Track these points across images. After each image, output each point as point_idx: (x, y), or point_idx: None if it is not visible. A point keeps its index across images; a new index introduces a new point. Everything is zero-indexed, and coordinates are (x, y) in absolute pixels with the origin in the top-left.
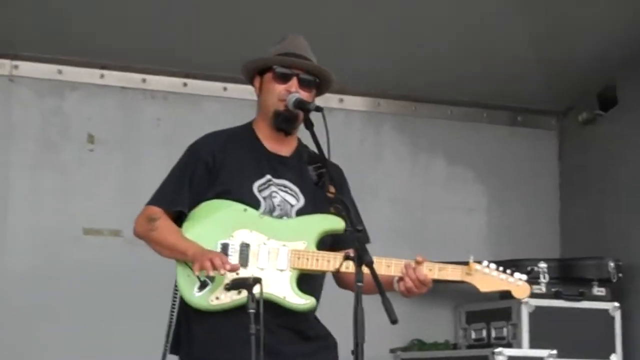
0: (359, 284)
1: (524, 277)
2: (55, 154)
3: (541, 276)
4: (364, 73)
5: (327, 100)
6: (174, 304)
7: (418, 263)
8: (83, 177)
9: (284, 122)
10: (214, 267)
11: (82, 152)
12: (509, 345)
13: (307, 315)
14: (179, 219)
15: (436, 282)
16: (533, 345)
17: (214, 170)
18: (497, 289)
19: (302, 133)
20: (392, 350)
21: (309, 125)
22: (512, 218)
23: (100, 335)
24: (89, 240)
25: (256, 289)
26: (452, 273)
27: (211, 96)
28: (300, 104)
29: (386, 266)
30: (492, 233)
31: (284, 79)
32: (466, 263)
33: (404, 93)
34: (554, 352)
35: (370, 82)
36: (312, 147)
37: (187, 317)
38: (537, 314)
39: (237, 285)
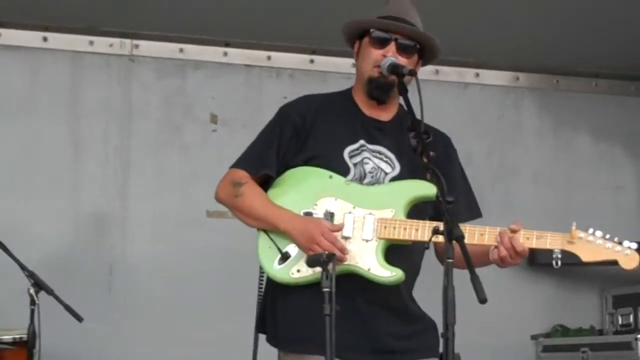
0: (449, 260)
1: (634, 245)
2: (178, 135)
3: None
4: (501, 46)
5: (462, 75)
6: (261, 280)
7: (513, 231)
8: (206, 159)
9: (377, 90)
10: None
11: (205, 133)
12: None
13: (400, 292)
14: (265, 183)
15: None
16: None
17: (303, 133)
18: (602, 258)
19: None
20: (534, 337)
21: (403, 91)
22: None
23: (227, 319)
24: (212, 223)
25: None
26: (552, 241)
27: (339, 72)
28: (394, 68)
29: (479, 234)
30: None
31: (380, 43)
32: None
33: (544, 66)
34: None
35: (508, 55)
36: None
37: (272, 293)
38: None
39: (311, 262)
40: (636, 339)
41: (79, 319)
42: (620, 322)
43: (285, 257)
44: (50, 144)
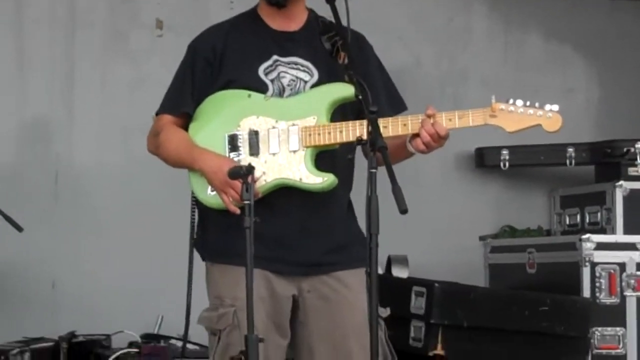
0: (372, 170)
1: (556, 107)
2: (123, 41)
3: (638, 157)
4: None
5: None
6: (193, 206)
7: (429, 116)
8: (152, 65)
9: None
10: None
11: (151, 39)
12: (602, 231)
13: (333, 202)
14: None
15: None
16: (627, 230)
17: (216, 63)
18: (525, 125)
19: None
20: (482, 238)
21: None
22: (613, 98)
23: (173, 227)
24: None
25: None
26: (475, 118)
27: None
28: None
29: (402, 125)
30: (591, 114)
31: None
32: None
33: None
34: None
35: None
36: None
37: (202, 213)
38: (632, 198)
39: (232, 174)
40: (580, 240)
41: (19, 229)
42: (567, 222)
43: None
44: None
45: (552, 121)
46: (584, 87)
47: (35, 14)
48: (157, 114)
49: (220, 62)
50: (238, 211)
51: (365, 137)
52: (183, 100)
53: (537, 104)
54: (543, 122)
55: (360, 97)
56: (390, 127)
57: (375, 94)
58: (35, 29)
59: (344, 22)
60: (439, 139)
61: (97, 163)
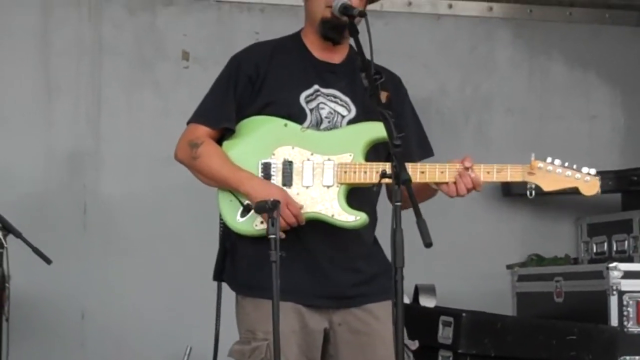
0: (397, 203)
1: (593, 171)
2: (150, 72)
3: None
4: None
5: (435, 6)
6: (221, 232)
7: (467, 168)
8: (178, 96)
9: (332, 31)
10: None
11: (177, 70)
12: (629, 259)
13: (360, 236)
14: (222, 137)
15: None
16: None
17: (257, 82)
18: (562, 186)
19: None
20: (509, 267)
21: (354, 32)
22: (638, 124)
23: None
24: None
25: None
26: (512, 174)
27: None
28: (345, 10)
29: (440, 172)
30: (615, 140)
31: None
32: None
33: None
34: None
35: None
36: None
37: (232, 242)
38: None
39: (258, 209)
40: (607, 268)
41: (48, 261)
42: (595, 250)
43: (247, 209)
44: (22, 82)
45: (589, 185)
46: (608, 114)
47: (61, 43)
48: (191, 123)
49: (262, 83)
50: (284, 236)
51: (389, 171)
52: (225, 115)
53: (575, 166)
54: (580, 185)
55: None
56: (428, 173)
57: (406, 137)
58: (61, 58)
59: (368, 55)
60: (472, 190)
61: (125, 193)
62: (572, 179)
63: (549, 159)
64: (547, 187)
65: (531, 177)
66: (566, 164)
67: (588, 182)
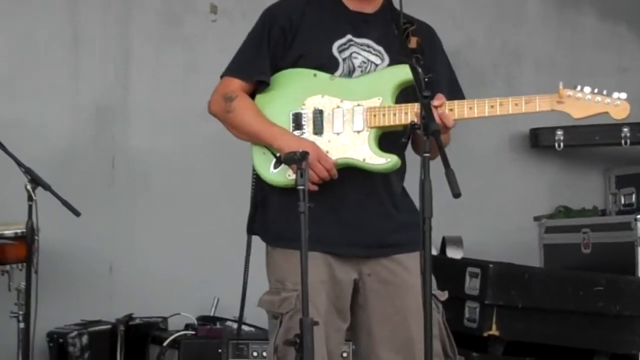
0: (426, 154)
1: (624, 95)
2: (178, 26)
3: None
4: None
5: None
6: (254, 183)
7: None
8: (206, 50)
9: None
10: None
11: (205, 24)
12: None
13: (391, 183)
14: (255, 90)
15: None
16: None
17: (290, 35)
18: (593, 113)
19: None
20: (537, 218)
21: None
22: None
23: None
24: None
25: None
26: (542, 103)
27: None
28: None
29: (469, 108)
30: None
31: None
32: None
33: None
34: None
35: None
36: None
37: (264, 196)
38: None
39: (287, 160)
40: (635, 219)
41: (77, 213)
42: (623, 202)
43: (280, 160)
44: (49, 38)
45: (620, 109)
46: (639, 66)
47: None
48: (225, 76)
49: (294, 35)
50: (316, 188)
51: (418, 121)
52: (260, 68)
53: (604, 92)
54: (611, 109)
55: (426, 79)
56: (476, 107)
57: (437, 81)
58: (89, 13)
59: (397, 5)
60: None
61: (152, 147)
62: (602, 104)
63: (578, 87)
64: (576, 114)
65: (560, 105)
66: (595, 90)
67: (618, 106)
